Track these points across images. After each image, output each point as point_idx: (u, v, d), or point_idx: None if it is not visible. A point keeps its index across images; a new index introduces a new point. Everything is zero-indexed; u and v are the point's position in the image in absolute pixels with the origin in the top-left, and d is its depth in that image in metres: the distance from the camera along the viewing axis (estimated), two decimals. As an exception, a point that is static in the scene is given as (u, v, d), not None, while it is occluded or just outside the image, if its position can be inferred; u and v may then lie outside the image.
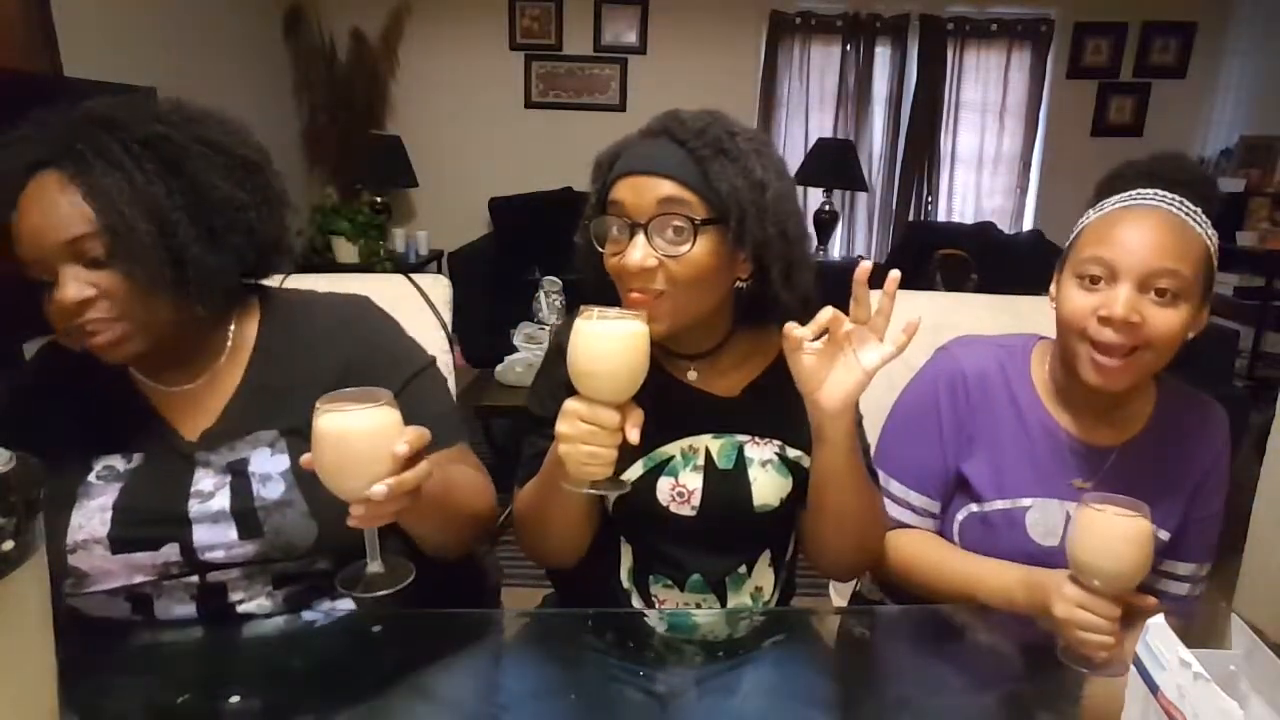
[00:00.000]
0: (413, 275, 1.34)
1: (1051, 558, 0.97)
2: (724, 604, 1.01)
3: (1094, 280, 0.92)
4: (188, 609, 0.89)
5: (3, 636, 0.51)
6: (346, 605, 0.93)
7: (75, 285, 0.78)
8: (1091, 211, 0.98)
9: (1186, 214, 0.92)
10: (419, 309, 1.30)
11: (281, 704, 0.77)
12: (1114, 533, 0.80)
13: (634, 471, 0.96)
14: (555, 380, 0.99)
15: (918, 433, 1.07)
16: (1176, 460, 1.03)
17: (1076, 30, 4.54)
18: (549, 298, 2.93)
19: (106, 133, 0.80)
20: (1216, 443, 1.04)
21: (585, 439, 0.78)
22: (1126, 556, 0.80)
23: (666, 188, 0.87)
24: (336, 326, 0.97)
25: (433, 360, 1.03)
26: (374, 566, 0.78)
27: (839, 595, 1.44)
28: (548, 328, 2.88)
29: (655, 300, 0.87)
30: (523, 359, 2.77)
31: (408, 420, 0.74)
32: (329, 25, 4.32)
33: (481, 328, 3.19)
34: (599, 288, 0.97)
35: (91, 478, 0.88)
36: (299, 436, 0.89)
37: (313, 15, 4.25)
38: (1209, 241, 0.92)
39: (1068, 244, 1.00)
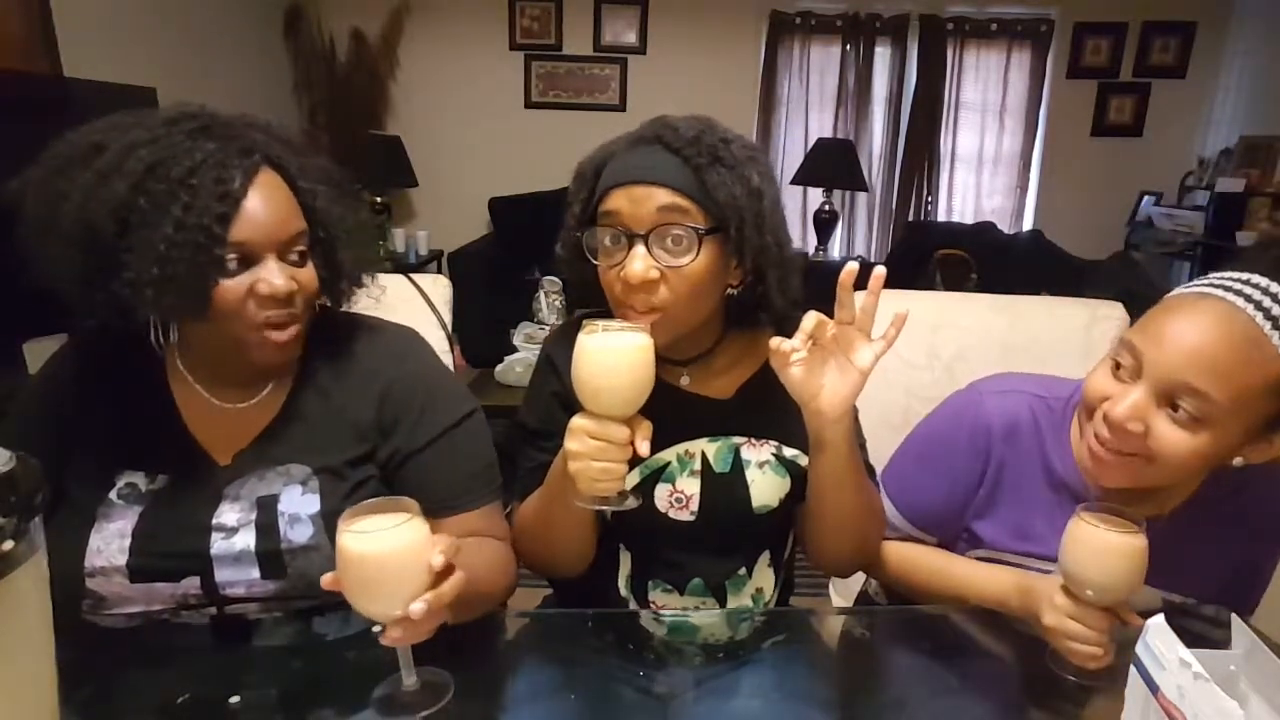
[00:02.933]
0: (413, 275, 1.34)
1: None
2: (724, 606, 1.01)
3: (1119, 366, 0.82)
4: (204, 629, 0.87)
5: (3, 637, 0.51)
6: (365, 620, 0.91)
7: (283, 276, 0.82)
8: (1195, 281, 0.83)
9: (1275, 327, 0.74)
10: (419, 309, 1.30)
11: (280, 704, 0.77)
12: (1106, 547, 0.78)
13: (631, 479, 0.95)
14: (548, 392, 0.99)
15: (930, 473, 1.01)
16: (1219, 538, 0.91)
17: (1076, 30, 4.54)
18: (549, 298, 2.93)
19: (299, 155, 0.89)
20: (1271, 531, 0.93)
21: (595, 455, 0.77)
22: (1118, 571, 0.78)
23: (665, 197, 0.85)
24: (382, 358, 0.95)
25: (475, 409, 0.98)
26: (409, 682, 0.74)
27: (839, 595, 1.44)
28: (547, 328, 2.88)
29: (655, 316, 0.86)
30: (523, 359, 2.77)
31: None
32: (329, 25, 4.32)
33: (481, 328, 3.18)
34: (585, 297, 0.96)
35: (113, 495, 0.85)
36: (333, 477, 0.88)
37: (313, 15, 4.25)
38: None
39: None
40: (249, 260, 0.81)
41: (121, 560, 0.82)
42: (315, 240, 0.88)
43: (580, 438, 0.78)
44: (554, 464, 0.87)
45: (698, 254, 0.85)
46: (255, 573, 0.85)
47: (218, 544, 0.84)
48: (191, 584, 0.84)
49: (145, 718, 0.75)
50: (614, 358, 0.77)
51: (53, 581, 0.78)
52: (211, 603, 0.85)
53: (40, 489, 0.52)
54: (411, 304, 1.29)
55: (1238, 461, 0.80)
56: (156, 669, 0.82)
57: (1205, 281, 0.81)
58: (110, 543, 0.83)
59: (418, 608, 0.67)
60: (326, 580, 0.70)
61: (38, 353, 2.08)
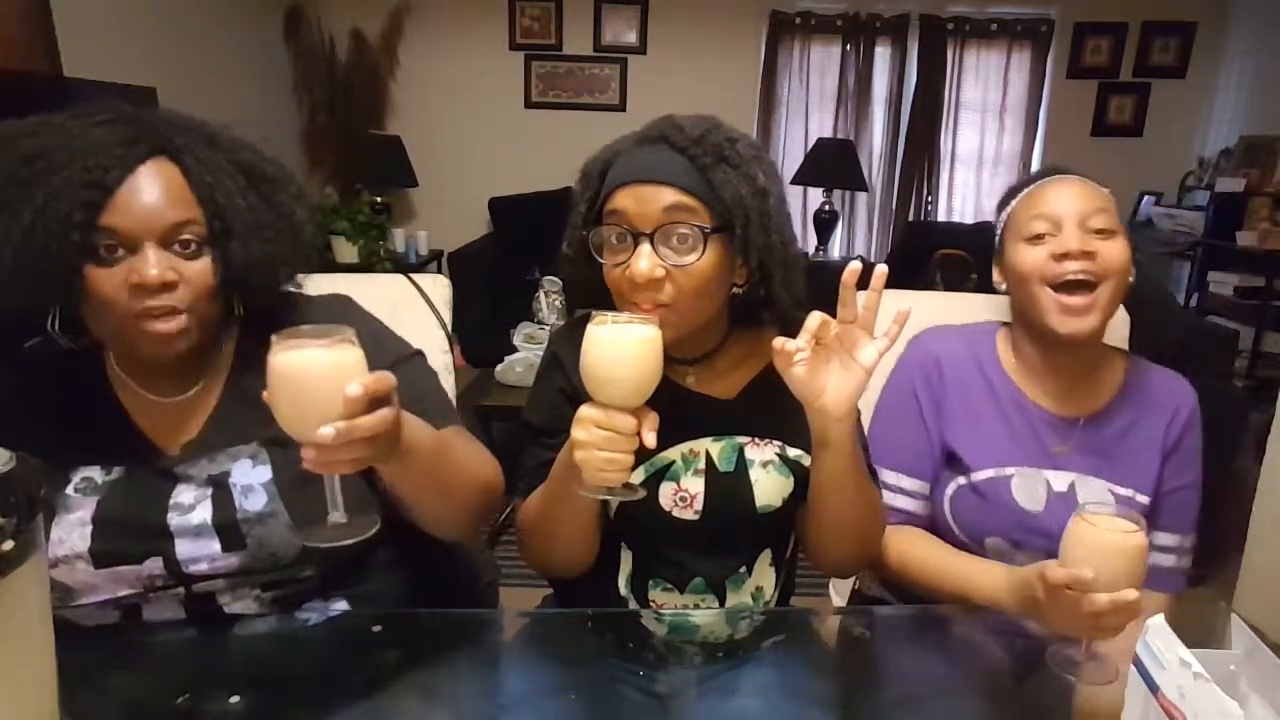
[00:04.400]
0: (413, 275, 1.34)
1: (1038, 522, 1.04)
2: (723, 605, 1.01)
3: (1039, 237, 1.03)
4: (177, 614, 0.88)
5: (3, 636, 0.51)
6: (340, 606, 0.93)
7: (162, 266, 0.80)
8: (1012, 201, 1.13)
9: (1089, 180, 1.06)
10: (419, 309, 1.29)
11: (281, 705, 0.77)
12: (1106, 546, 0.79)
13: (635, 476, 0.95)
14: (554, 389, 0.99)
15: (901, 418, 1.13)
16: (1145, 428, 1.08)
17: (1076, 30, 4.54)
18: (549, 298, 2.93)
19: (208, 146, 0.87)
20: (1185, 413, 1.09)
21: (602, 445, 0.78)
22: (1117, 570, 0.78)
23: (672, 196, 0.85)
24: (318, 321, 0.95)
25: (420, 352, 1.02)
26: (335, 516, 0.74)
27: (839, 595, 1.44)
28: (548, 328, 2.88)
29: (661, 312, 0.86)
30: (523, 359, 2.77)
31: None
32: (329, 25, 4.32)
33: (481, 328, 3.18)
34: (589, 298, 0.97)
35: (69, 490, 0.86)
36: (280, 447, 0.88)
37: (313, 15, 4.25)
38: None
39: (999, 232, 1.14)
40: (127, 248, 0.80)
41: (84, 546, 0.83)
42: (213, 234, 0.85)
43: (587, 427, 0.78)
44: (559, 456, 0.88)
45: (703, 252, 0.86)
46: (215, 545, 0.86)
47: (175, 520, 0.85)
48: (155, 564, 0.85)
49: (145, 718, 0.75)
50: (623, 348, 0.78)
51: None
52: (179, 583, 0.86)
53: (40, 489, 0.52)
54: (411, 304, 1.29)
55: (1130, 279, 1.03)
56: (156, 670, 0.82)
57: (1031, 182, 1.11)
58: (71, 532, 0.84)
59: (326, 432, 0.65)
60: (264, 396, 0.69)
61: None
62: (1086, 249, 0.98)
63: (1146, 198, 4.54)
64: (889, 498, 1.10)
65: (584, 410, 0.79)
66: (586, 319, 0.81)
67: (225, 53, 3.59)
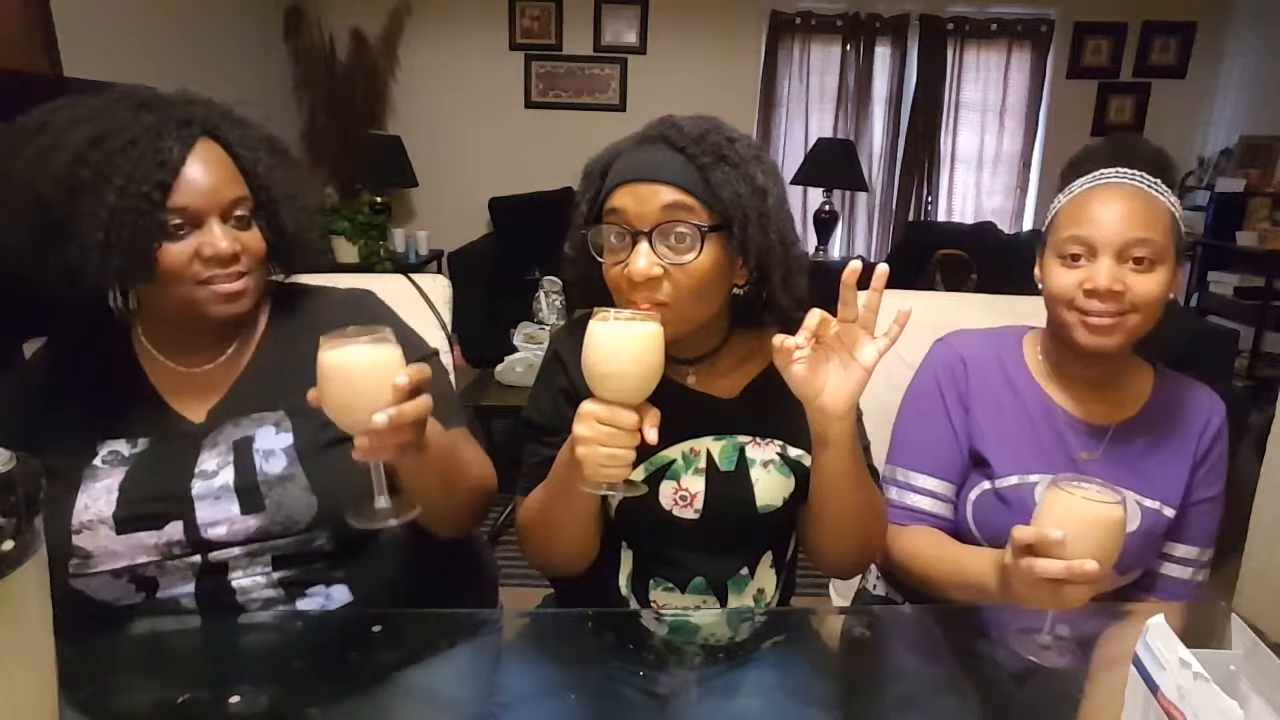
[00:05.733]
0: (413, 275, 1.34)
1: None
2: (724, 607, 1.01)
3: (1075, 258, 0.98)
4: (188, 588, 0.90)
5: (3, 637, 0.51)
6: (342, 592, 0.94)
7: (228, 239, 0.88)
8: (1062, 196, 1.04)
9: (1148, 185, 0.98)
10: (419, 309, 1.30)
11: (281, 703, 0.77)
12: (1081, 517, 0.77)
13: (636, 475, 0.95)
14: (556, 387, 0.99)
15: (926, 419, 1.11)
16: (1174, 440, 1.06)
17: (1076, 30, 4.54)
18: (549, 298, 2.93)
19: (240, 127, 0.94)
20: (1214, 426, 1.07)
21: (604, 440, 0.78)
22: (1091, 541, 0.77)
23: (669, 195, 0.86)
24: (341, 311, 1.01)
25: (436, 351, 1.07)
26: (381, 502, 0.80)
27: (840, 595, 1.44)
28: (548, 328, 2.88)
29: (660, 310, 0.86)
30: (523, 359, 2.77)
31: None
32: (329, 25, 4.33)
33: (481, 328, 3.18)
34: (589, 298, 0.97)
35: (97, 462, 0.90)
36: (302, 415, 0.92)
37: (313, 15, 4.25)
38: (1173, 208, 0.99)
39: (1045, 227, 1.06)
40: (193, 224, 0.87)
41: (109, 511, 0.86)
42: (259, 205, 0.93)
43: (589, 422, 0.78)
44: (560, 453, 0.88)
45: (700, 251, 0.86)
46: (235, 508, 0.89)
47: (199, 485, 0.89)
48: (175, 529, 0.88)
49: (145, 718, 0.75)
50: (625, 344, 0.78)
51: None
52: (195, 550, 0.88)
53: (41, 489, 0.52)
54: (411, 304, 1.29)
55: (1170, 295, 0.98)
56: (157, 668, 0.83)
57: (1095, 179, 1.01)
58: (98, 499, 0.87)
59: (380, 418, 0.72)
60: (311, 396, 0.75)
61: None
62: (1116, 288, 0.94)
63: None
64: (910, 498, 1.10)
65: (585, 406, 0.79)
66: (587, 318, 0.81)
67: (225, 53, 3.59)
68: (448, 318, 1.34)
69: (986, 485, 1.07)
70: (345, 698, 0.77)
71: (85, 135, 0.82)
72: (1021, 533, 0.80)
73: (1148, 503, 1.04)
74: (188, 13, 3.29)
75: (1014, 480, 1.05)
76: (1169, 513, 1.04)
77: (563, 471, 0.87)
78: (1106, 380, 1.07)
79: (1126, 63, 4.57)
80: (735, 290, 0.94)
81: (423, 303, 1.31)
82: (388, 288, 1.27)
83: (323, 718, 0.76)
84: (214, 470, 0.90)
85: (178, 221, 0.85)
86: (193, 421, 0.94)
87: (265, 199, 0.93)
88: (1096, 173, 1.01)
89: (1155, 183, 0.99)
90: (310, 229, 1.00)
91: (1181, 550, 1.07)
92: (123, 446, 0.91)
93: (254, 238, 0.92)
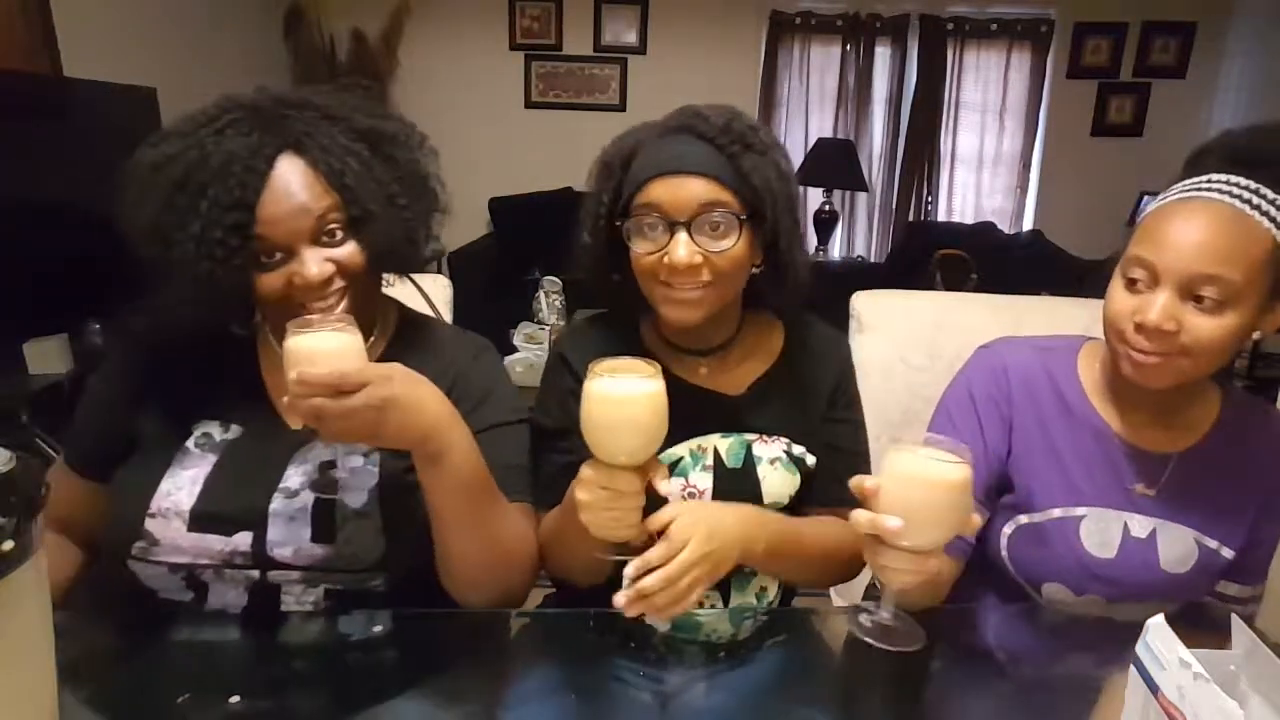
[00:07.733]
0: (413, 275, 1.34)
1: (1106, 569, 0.94)
2: (728, 604, 1.01)
3: (1134, 282, 0.86)
4: (240, 600, 0.88)
5: (3, 637, 0.51)
6: (380, 626, 0.90)
7: (318, 264, 0.85)
8: (1160, 196, 0.90)
9: (1253, 207, 0.82)
10: (419, 309, 1.29)
11: (282, 704, 0.77)
12: (925, 478, 0.73)
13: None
14: (563, 389, 1.00)
15: (953, 432, 1.01)
16: (1242, 473, 0.95)
17: (1076, 30, 4.53)
18: (549, 298, 2.93)
19: (330, 123, 0.89)
20: None
21: (605, 505, 0.76)
22: (936, 505, 0.73)
23: (704, 186, 0.88)
24: (460, 351, 1.01)
25: (525, 420, 1.01)
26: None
27: (840, 595, 1.44)
28: (548, 328, 2.88)
29: (701, 291, 0.90)
30: (523, 359, 2.77)
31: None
32: (329, 25, 4.32)
33: (481, 328, 3.17)
34: (601, 290, 0.98)
35: (190, 444, 0.90)
36: (391, 454, 0.91)
37: (313, 15, 4.25)
38: (1278, 235, 0.82)
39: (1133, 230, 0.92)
40: (284, 251, 0.85)
41: (188, 505, 0.86)
42: (352, 216, 0.88)
43: (590, 488, 0.77)
44: (569, 491, 0.84)
45: (739, 238, 0.89)
46: (306, 533, 0.87)
47: (278, 503, 0.88)
48: (243, 540, 0.86)
49: (145, 718, 0.75)
50: (622, 408, 0.74)
51: (113, 520, 0.86)
52: (256, 564, 0.87)
53: (41, 488, 0.52)
54: (412, 304, 1.29)
55: (1256, 335, 0.85)
56: (157, 669, 0.82)
57: (1174, 193, 0.88)
58: (181, 487, 0.87)
59: (291, 374, 0.73)
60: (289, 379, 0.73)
61: (38, 352, 2.08)
62: (1168, 326, 0.82)
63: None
64: None
65: (585, 472, 0.78)
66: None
67: (225, 53, 3.59)
68: (448, 318, 1.34)
69: (1024, 519, 0.97)
70: (346, 698, 0.77)
71: (171, 178, 0.83)
72: (857, 480, 0.78)
73: (1208, 542, 0.95)
74: (188, 13, 3.29)
75: (1057, 513, 0.95)
76: (1227, 554, 0.95)
77: (572, 511, 0.84)
78: (1168, 404, 0.95)
79: (1126, 63, 4.56)
80: (754, 270, 0.96)
81: (423, 303, 1.31)
82: (388, 288, 1.27)
83: (324, 718, 0.76)
84: (295, 489, 0.89)
85: (266, 251, 0.84)
86: (289, 426, 0.92)
87: (357, 211, 0.88)
88: (1196, 179, 0.87)
89: (1270, 201, 0.82)
90: (418, 228, 0.94)
91: (1233, 589, 0.99)
92: (216, 430, 0.91)
93: (349, 251, 0.88)
